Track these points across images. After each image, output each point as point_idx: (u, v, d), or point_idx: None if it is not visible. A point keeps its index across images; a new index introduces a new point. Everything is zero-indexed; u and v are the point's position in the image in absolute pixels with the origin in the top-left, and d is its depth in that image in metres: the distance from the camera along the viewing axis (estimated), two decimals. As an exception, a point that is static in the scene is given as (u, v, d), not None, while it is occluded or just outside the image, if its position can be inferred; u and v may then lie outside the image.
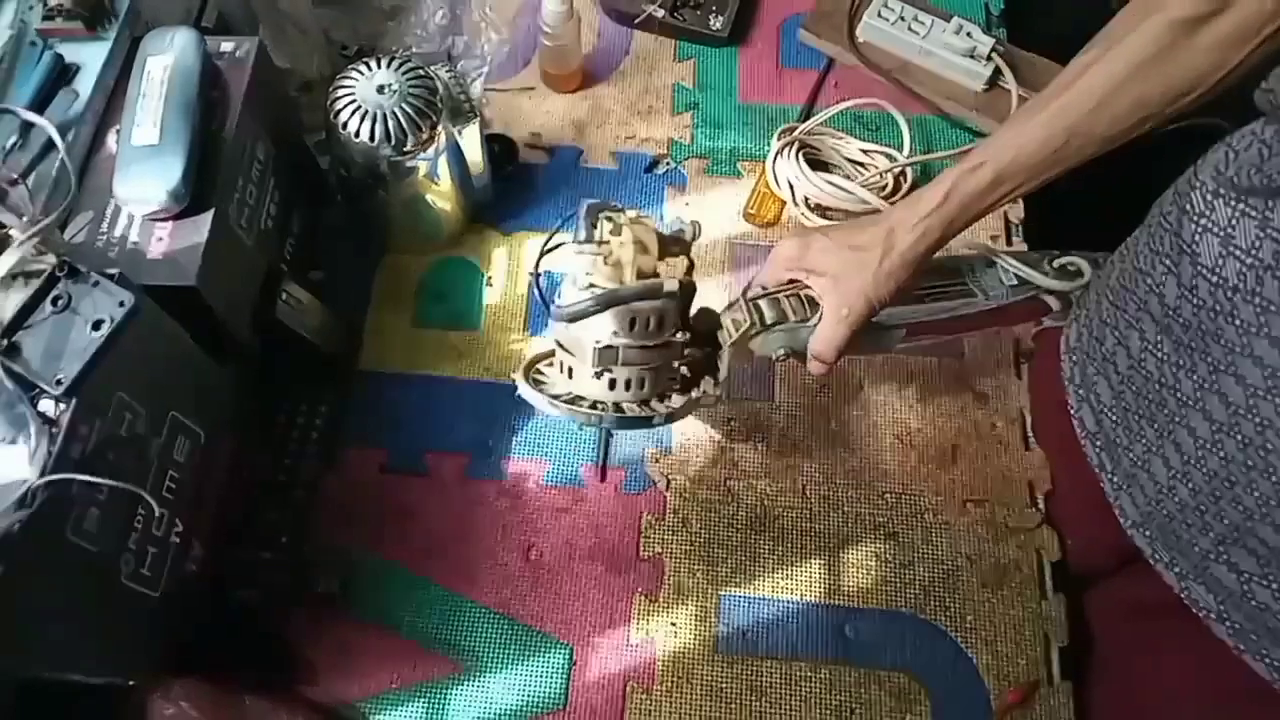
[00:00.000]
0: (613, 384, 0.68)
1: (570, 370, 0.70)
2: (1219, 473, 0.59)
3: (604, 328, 0.66)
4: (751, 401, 0.86)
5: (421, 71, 0.79)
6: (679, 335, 0.69)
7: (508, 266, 0.92)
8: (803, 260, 0.69)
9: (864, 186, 0.90)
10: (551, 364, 0.73)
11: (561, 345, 0.70)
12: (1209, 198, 0.59)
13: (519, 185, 0.95)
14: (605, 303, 0.66)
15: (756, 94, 1.01)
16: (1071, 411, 0.72)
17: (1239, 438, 0.57)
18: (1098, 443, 0.70)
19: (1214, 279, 0.57)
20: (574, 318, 0.67)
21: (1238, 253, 0.56)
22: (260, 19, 0.86)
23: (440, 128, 0.79)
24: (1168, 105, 0.62)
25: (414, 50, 0.98)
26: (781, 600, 0.79)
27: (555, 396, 0.70)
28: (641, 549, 0.80)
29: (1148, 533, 0.66)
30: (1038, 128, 0.63)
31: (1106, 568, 0.77)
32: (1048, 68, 0.99)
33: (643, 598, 0.79)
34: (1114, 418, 0.67)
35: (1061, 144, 0.63)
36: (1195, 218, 0.59)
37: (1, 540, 0.51)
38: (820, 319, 0.69)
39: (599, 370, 0.68)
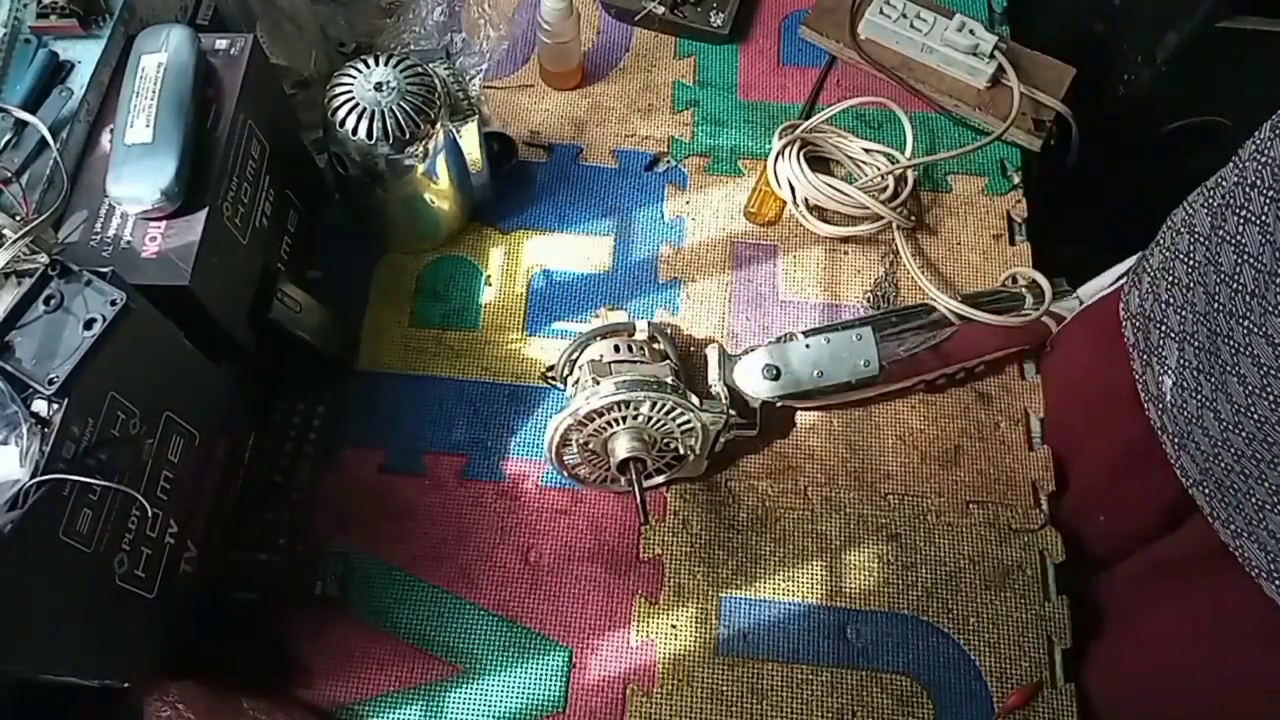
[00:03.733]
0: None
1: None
2: (1269, 419, 0.58)
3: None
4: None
5: (419, 69, 0.78)
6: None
7: (506, 265, 0.91)
8: None
9: (864, 189, 0.90)
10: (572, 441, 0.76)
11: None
12: None
13: (518, 183, 0.94)
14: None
15: (757, 92, 1.01)
16: (1136, 375, 0.72)
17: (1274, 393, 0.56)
18: (1159, 405, 0.69)
19: None
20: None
21: None
22: (257, 16, 0.86)
23: (438, 126, 0.78)
24: None
25: (412, 47, 0.97)
26: (783, 602, 0.78)
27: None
28: (641, 550, 0.80)
29: (1206, 489, 0.66)
30: None
31: (1119, 552, 0.77)
32: (1050, 65, 0.99)
33: (643, 599, 0.78)
34: (1185, 364, 0.67)
35: None
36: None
37: (-7, 542, 0.51)
38: None
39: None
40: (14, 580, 0.53)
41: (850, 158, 0.94)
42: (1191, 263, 0.64)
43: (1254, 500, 0.61)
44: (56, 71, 0.71)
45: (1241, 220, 0.59)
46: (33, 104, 0.69)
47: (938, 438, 0.84)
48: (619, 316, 0.84)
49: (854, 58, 1.00)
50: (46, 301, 0.57)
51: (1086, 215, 1.10)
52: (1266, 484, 0.60)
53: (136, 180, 0.65)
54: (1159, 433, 0.69)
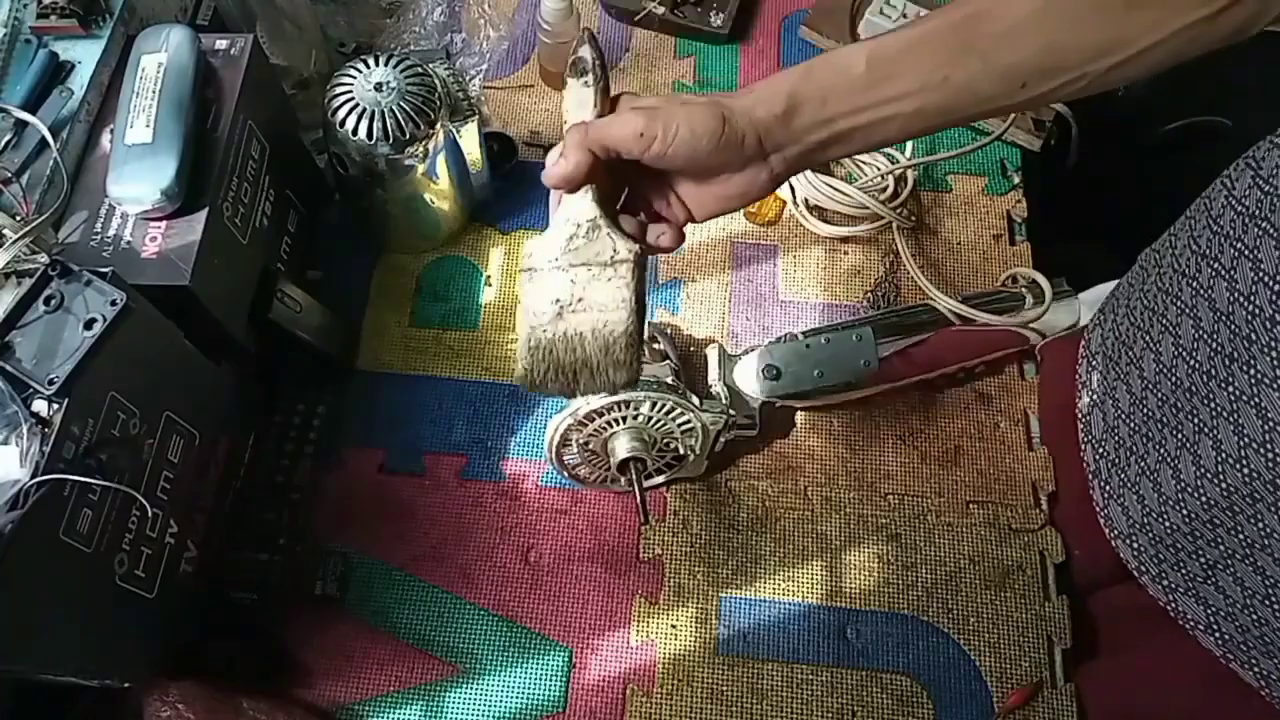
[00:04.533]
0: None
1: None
2: (1240, 488, 0.56)
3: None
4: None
5: (419, 69, 0.78)
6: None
7: (506, 266, 0.91)
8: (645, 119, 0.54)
9: (864, 189, 0.89)
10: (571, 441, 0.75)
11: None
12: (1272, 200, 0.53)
13: (518, 184, 0.94)
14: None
15: (757, 91, 1.01)
16: (1079, 415, 0.71)
17: (1269, 454, 0.54)
18: (1101, 448, 0.68)
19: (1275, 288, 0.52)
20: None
21: None
22: (257, 16, 0.86)
23: (438, 126, 0.78)
24: (1075, 65, 0.51)
25: (412, 47, 0.97)
26: (783, 602, 0.78)
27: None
28: (641, 550, 0.80)
29: (1136, 544, 0.65)
30: (934, 31, 0.52)
31: (1113, 577, 0.76)
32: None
33: (643, 599, 0.78)
34: (1131, 424, 0.65)
35: (954, 65, 0.51)
36: (1258, 221, 0.54)
37: (-7, 542, 0.51)
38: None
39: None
40: (14, 580, 0.53)
41: (850, 157, 0.94)
42: (1176, 307, 0.63)
43: (1201, 560, 0.61)
44: (57, 72, 0.71)
45: (1186, 308, 0.58)
46: (33, 104, 0.69)
47: (937, 438, 0.84)
48: None
49: (854, 58, 1.00)
50: (47, 301, 0.57)
51: (1087, 215, 1.10)
52: (1222, 546, 0.59)
53: (137, 180, 0.65)
54: (1091, 477, 0.68)
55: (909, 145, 0.93)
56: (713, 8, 1.02)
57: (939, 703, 0.75)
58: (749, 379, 0.79)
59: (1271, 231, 0.54)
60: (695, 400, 0.73)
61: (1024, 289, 0.85)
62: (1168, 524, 0.62)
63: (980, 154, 0.95)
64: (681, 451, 0.77)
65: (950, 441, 0.84)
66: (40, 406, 0.55)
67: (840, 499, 0.82)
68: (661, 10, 1.01)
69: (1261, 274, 0.54)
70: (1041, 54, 0.52)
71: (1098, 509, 0.67)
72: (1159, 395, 0.63)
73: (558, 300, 0.56)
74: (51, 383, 0.55)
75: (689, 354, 0.86)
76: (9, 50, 0.71)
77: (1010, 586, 0.79)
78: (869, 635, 0.77)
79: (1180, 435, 0.61)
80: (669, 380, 0.73)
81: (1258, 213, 0.55)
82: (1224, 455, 0.57)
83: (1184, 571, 0.62)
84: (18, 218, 0.64)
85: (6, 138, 0.68)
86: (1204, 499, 0.59)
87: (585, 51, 0.59)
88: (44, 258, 0.58)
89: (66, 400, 0.55)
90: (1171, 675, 0.68)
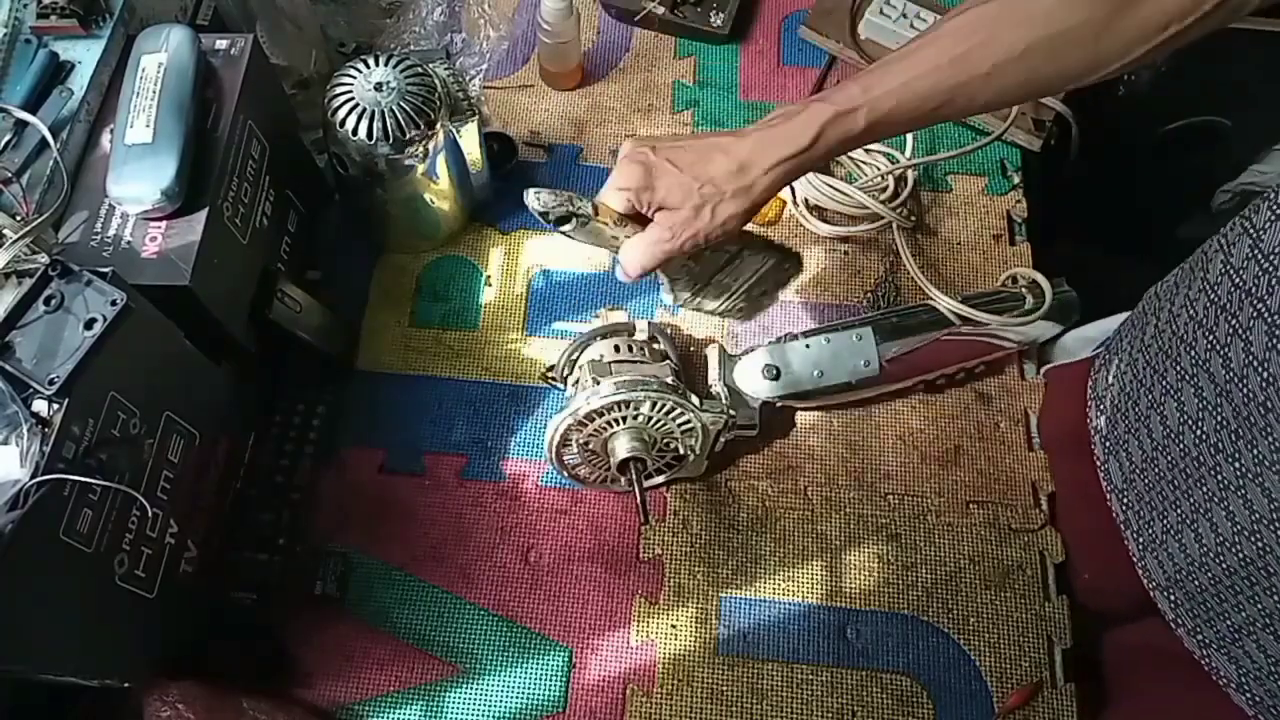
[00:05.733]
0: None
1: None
2: (1255, 560, 0.55)
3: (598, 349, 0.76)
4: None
5: (419, 69, 0.78)
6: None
7: (506, 266, 0.91)
8: (648, 195, 0.63)
9: (864, 190, 0.89)
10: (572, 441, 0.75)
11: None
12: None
13: (518, 184, 0.93)
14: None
15: (757, 92, 1.01)
16: (1098, 463, 0.69)
17: (1278, 532, 0.53)
18: (1125, 499, 0.66)
19: None
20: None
21: None
22: (257, 16, 0.86)
23: (438, 126, 0.78)
24: (1055, 88, 0.60)
25: (412, 47, 0.97)
26: (783, 602, 0.78)
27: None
28: (641, 550, 0.80)
29: (1173, 598, 0.63)
30: (924, 80, 0.58)
31: (1127, 608, 0.74)
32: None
33: (643, 599, 0.78)
34: (1146, 481, 0.64)
35: (942, 103, 0.59)
36: (1253, 301, 0.53)
37: (-7, 542, 0.51)
38: (635, 233, 0.66)
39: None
40: (14, 580, 0.53)
41: (850, 157, 0.94)
42: (1175, 372, 0.61)
43: (1229, 623, 0.59)
44: (57, 72, 0.71)
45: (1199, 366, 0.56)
46: (33, 104, 0.69)
47: (938, 438, 0.84)
48: (619, 316, 0.84)
49: (854, 58, 1.00)
50: (47, 301, 0.57)
51: (1087, 215, 1.11)
52: (1245, 613, 0.57)
53: (137, 180, 0.65)
54: (1122, 527, 0.66)
55: (909, 145, 0.93)
56: (713, 8, 1.02)
57: (939, 703, 0.75)
58: (749, 379, 0.79)
59: (1265, 314, 0.52)
60: (695, 400, 0.73)
61: (1024, 289, 0.85)
62: (1197, 583, 0.60)
63: (980, 154, 0.95)
64: (681, 451, 0.77)
65: (950, 441, 0.84)
66: (40, 406, 0.55)
67: (840, 499, 0.82)
68: (662, 10, 1.01)
69: (1251, 357, 0.53)
70: (1023, 86, 0.58)
71: (1134, 559, 0.65)
72: (1169, 459, 0.61)
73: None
74: (52, 383, 0.55)
75: (689, 354, 0.86)
76: (9, 50, 0.71)
77: (1010, 586, 0.79)
78: (869, 635, 0.77)
79: (1192, 500, 0.59)
80: (669, 380, 0.73)
81: (1254, 290, 0.53)
82: (1238, 526, 0.56)
83: (1215, 630, 0.60)
84: (18, 218, 0.64)
85: (6, 138, 0.68)
86: (1224, 565, 0.58)
87: (551, 212, 0.67)
88: (44, 258, 0.58)
89: (67, 400, 0.55)
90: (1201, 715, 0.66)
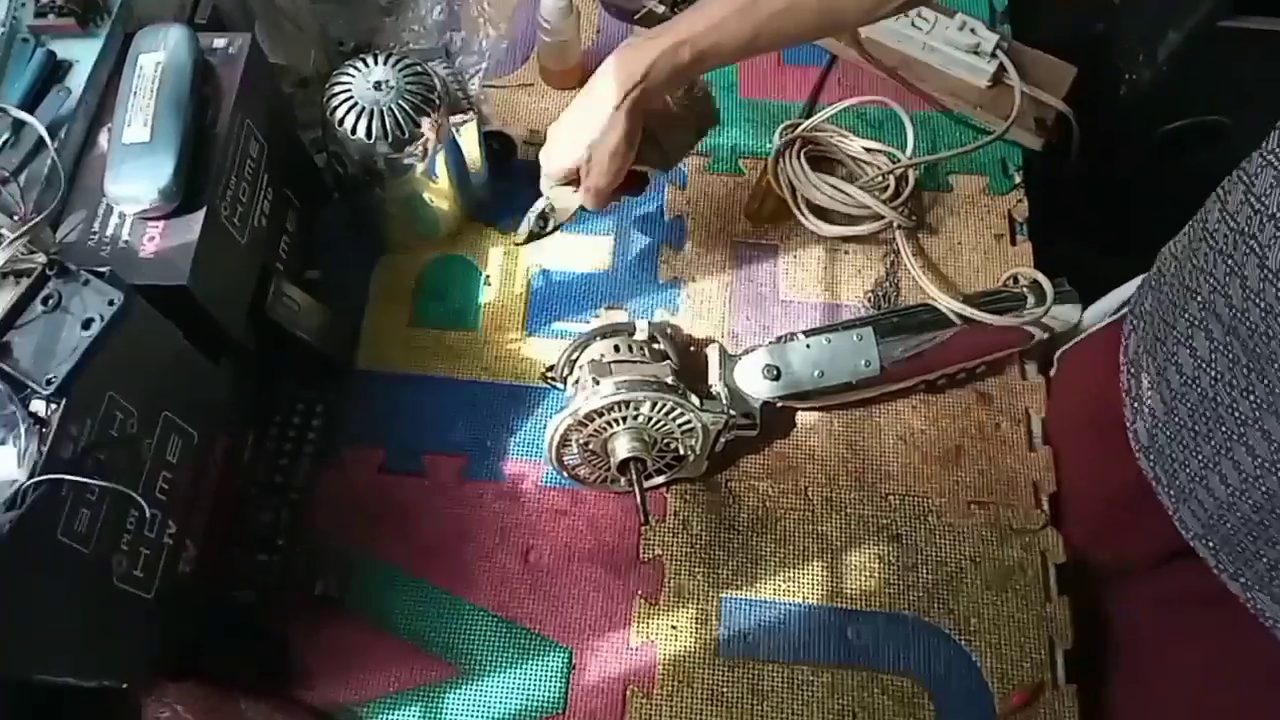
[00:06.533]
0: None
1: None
2: (1277, 492, 0.56)
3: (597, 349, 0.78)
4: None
5: (419, 68, 0.78)
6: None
7: (505, 265, 0.91)
8: (560, 159, 0.75)
9: (865, 189, 0.89)
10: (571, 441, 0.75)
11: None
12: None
13: (517, 183, 0.93)
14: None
15: (758, 90, 1.01)
16: (1127, 424, 0.70)
17: None
18: (1151, 456, 0.68)
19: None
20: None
21: None
22: (255, 15, 0.86)
23: (438, 125, 0.78)
24: (856, 19, 0.68)
25: (411, 46, 0.97)
26: (783, 603, 0.78)
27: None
28: (641, 551, 0.80)
29: (1211, 544, 0.64)
30: (732, 21, 0.67)
31: (1131, 567, 0.76)
32: (1051, 64, 0.98)
33: (643, 600, 0.78)
34: (1168, 433, 0.66)
35: (755, 35, 0.67)
36: (1246, 238, 0.56)
37: (-9, 542, 0.50)
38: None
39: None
40: (12, 580, 0.53)
41: (851, 157, 0.94)
42: (1185, 319, 0.63)
43: (1265, 561, 0.60)
44: (54, 71, 0.71)
45: (1232, 274, 0.58)
46: (30, 103, 0.69)
47: (939, 438, 0.84)
48: (619, 316, 0.84)
49: (855, 57, 1.00)
50: (44, 301, 0.57)
51: (1088, 215, 1.10)
52: (1278, 548, 0.59)
53: (135, 180, 0.65)
54: (1153, 484, 0.68)
55: (910, 145, 0.93)
56: (713, 7, 1.02)
57: (940, 704, 0.75)
58: (749, 379, 0.78)
59: (1256, 250, 0.54)
60: (695, 400, 0.72)
61: (1025, 289, 0.85)
62: (1230, 525, 0.62)
63: (981, 153, 0.95)
64: (681, 452, 0.76)
65: (951, 442, 0.84)
66: (38, 406, 0.55)
67: (841, 499, 0.82)
68: (661, 9, 1.01)
69: (1249, 291, 0.55)
70: (820, 17, 0.68)
71: (1170, 513, 0.67)
72: (1188, 406, 0.63)
73: None
74: (49, 383, 0.55)
75: (689, 354, 0.86)
76: (6, 49, 0.71)
77: (1011, 587, 0.78)
78: (870, 636, 0.77)
79: (1214, 443, 0.61)
80: (669, 380, 0.73)
81: (1246, 229, 0.56)
82: (1259, 460, 0.57)
83: (1254, 570, 0.62)
84: (15, 217, 0.64)
85: (4, 137, 0.68)
86: (1251, 502, 0.59)
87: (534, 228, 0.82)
88: (42, 257, 0.58)
89: (64, 400, 0.55)
90: (1202, 671, 0.69)
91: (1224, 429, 0.60)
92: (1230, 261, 0.57)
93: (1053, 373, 0.86)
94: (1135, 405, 0.70)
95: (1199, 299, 0.61)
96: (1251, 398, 0.57)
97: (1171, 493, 0.67)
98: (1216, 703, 0.68)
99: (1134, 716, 0.75)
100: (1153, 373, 0.67)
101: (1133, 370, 0.71)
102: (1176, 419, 0.64)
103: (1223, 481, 0.61)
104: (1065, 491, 0.82)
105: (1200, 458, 0.63)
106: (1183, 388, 0.63)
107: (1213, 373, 0.60)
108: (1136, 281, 0.75)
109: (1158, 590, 0.75)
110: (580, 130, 0.73)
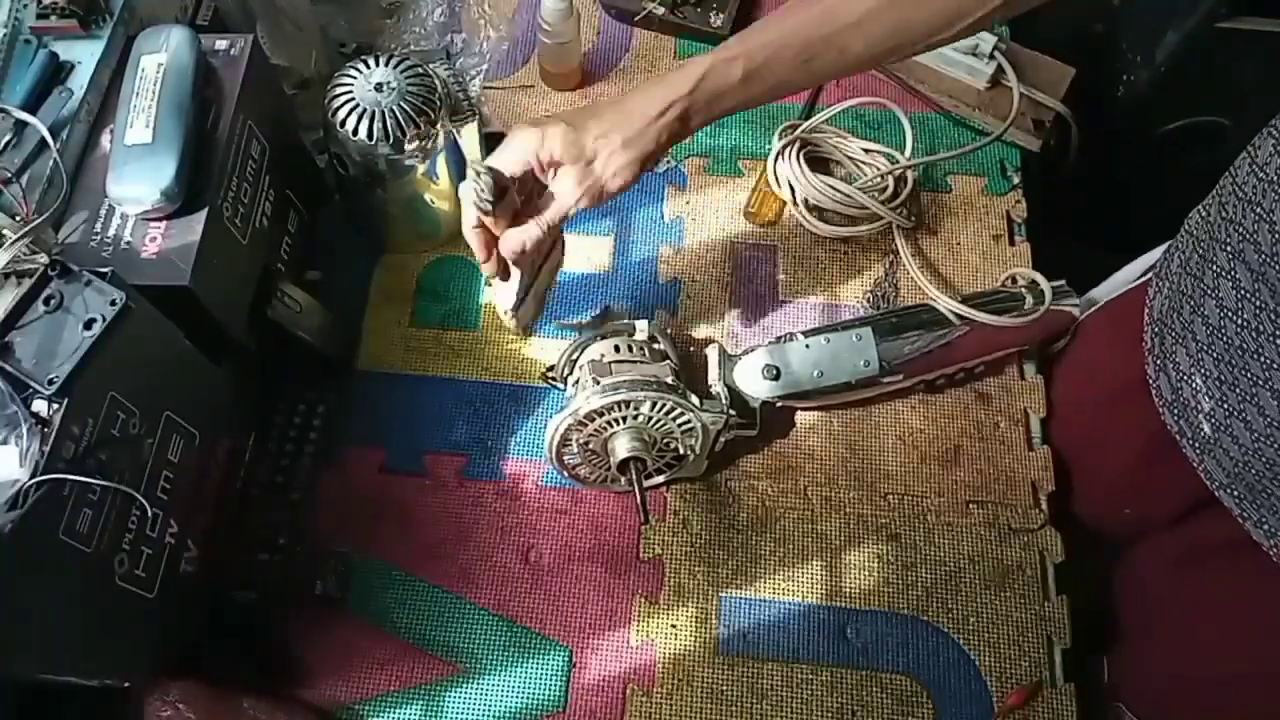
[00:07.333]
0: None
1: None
2: None
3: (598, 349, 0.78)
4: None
5: (420, 69, 0.78)
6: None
7: (506, 266, 0.91)
8: (539, 155, 0.64)
9: (863, 190, 0.90)
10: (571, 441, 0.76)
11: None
12: None
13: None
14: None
15: (757, 92, 1.01)
16: (1149, 380, 0.72)
17: None
18: (1175, 411, 0.69)
19: None
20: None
21: None
22: (257, 16, 0.86)
23: (439, 126, 0.78)
24: (924, 38, 0.62)
25: (412, 48, 0.97)
26: (782, 602, 0.78)
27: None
28: (641, 550, 0.80)
29: (1236, 493, 0.65)
30: (796, 31, 0.62)
31: (1148, 528, 0.77)
32: (1049, 65, 0.99)
33: (643, 599, 0.78)
34: (1194, 384, 0.66)
35: (815, 54, 0.62)
36: (1275, 187, 0.57)
37: (-7, 541, 0.51)
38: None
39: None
40: (14, 580, 0.53)
41: (850, 158, 0.94)
42: (1212, 271, 0.63)
43: None
44: (56, 72, 0.71)
45: (1261, 221, 0.59)
46: (33, 104, 0.69)
47: (937, 438, 0.84)
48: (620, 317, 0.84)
49: (854, 58, 1.00)
50: (46, 302, 0.57)
51: (1086, 215, 1.11)
52: None
53: (136, 181, 0.65)
54: (1178, 437, 0.69)
55: (909, 146, 0.93)
56: (712, 8, 1.02)
57: (939, 702, 0.75)
58: (749, 379, 0.79)
59: None
60: (695, 400, 0.73)
61: (1023, 289, 0.85)
62: (1255, 471, 0.63)
63: (980, 154, 0.96)
64: (681, 451, 0.77)
65: (950, 441, 0.84)
66: (40, 406, 0.55)
67: (840, 499, 0.82)
68: (662, 11, 1.01)
69: (1278, 235, 0.56)
70: (891, 34, 0.62)
71: (1195, 465, 0.68)
72: (1214, 355, 0.64)
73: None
74: (51, 383, 0.55)
75: (689, 354, 0.86)
76: (9, 50, 0.71)
77: (1010, 586, 0.79)
78: (869, 635, 0.77)
79: (1239, 390, 0.62)
80: (669, 380, 0.73)
81: (1276, 179, 0.57)
82: None
83: (1278, 516, 0.63)
84: (17, 218, 0.64)
85: (6, 138, 0.68)
86: (1276, 447, 0.60)
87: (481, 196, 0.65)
88: (44, 258, 0.58)
89: (66, 400, 0.55)
90: (1258, 614, 0.69)
91: (1249, 375, 0.60)
92: (1259, 210, 0.58)
93: (1063, 344, 0.87)
94: (1159, 362, 0.70)
95: (1228, 249, 0.61)
96: (1278, 343, 0.58)
97: (1196, 445, 0.67)
98: (1241, 650, 0.69)
99: (1158, 675, 0.76)
100: (1177, 328, 0.68)
101: (1157, 330, 0.71)
102: (1203, 368, 0.65)
103: (1247, 428, 0.62)
104: (1075, 464, 0.83)
105: (1225, 407, 0.63)
106: (1209, 338, 0.64)
107: (1239, 320, 0.61)
108: (1157, 251, 0.75)
109: (1177, 547, 0.76)
110: (594, 126, 0.65)
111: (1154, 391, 0.71)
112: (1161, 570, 0.78)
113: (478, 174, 0.63)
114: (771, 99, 0.65)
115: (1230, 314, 0.61)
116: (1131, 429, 0.75)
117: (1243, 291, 0.60)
